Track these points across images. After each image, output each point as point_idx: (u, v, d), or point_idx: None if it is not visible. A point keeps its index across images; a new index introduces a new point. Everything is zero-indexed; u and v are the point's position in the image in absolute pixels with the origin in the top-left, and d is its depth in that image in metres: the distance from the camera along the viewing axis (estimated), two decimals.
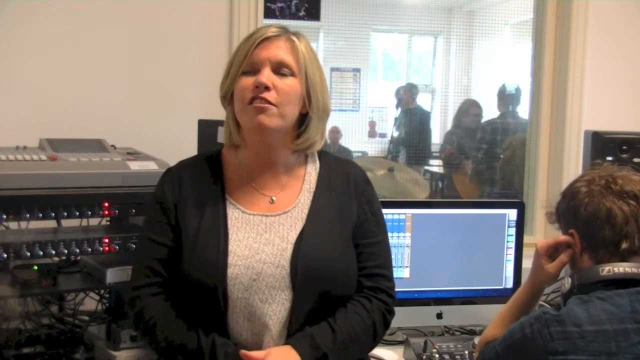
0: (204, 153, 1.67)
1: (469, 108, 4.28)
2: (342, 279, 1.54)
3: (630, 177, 1.52)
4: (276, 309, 1.48)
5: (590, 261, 1.51)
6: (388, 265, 1.64)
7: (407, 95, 4.74)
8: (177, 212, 1.55)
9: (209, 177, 1.59)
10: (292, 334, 1.48)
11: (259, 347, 1.48)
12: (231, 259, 1.47)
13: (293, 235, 1.52)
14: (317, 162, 1.65)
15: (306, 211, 1.56)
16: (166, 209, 1.55)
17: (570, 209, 1.55)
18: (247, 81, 1.50)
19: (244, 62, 1.51)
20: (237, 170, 1.60)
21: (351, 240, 1.58)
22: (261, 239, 1.52)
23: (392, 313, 1.61)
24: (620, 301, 1.40)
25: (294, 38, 1.54)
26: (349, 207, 1.60)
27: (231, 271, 1.47)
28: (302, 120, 1.57)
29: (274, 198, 1.57)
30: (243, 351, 1.44)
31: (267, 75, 1.48)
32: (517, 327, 1.47)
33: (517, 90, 4.17)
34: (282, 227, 1.54)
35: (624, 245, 1.46)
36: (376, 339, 1.59)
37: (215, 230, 1.51)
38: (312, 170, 1.63)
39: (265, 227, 1.53)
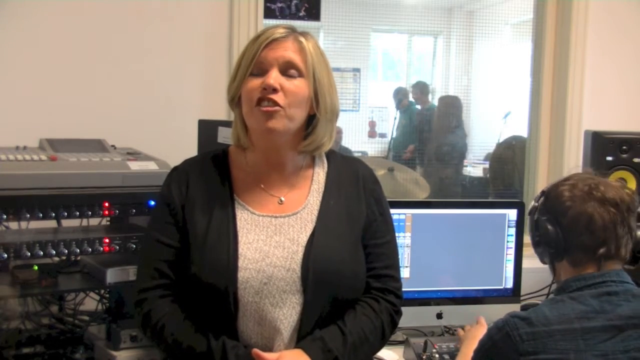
0: (210, 152, 1.65)
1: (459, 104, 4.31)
2: (352, 282, 1.54)
3: (612, 184, 1.55)
4: (287, 312, 1.47)
5: (568, 265, 1.55)
6: (396, 266, 1.64)
7: (419, 94, 4.73)
8: (184, 213, 1.53)
9: (216, 177, 1.57)
10: (302, 337, 1.47)
11: (269, 350, 1.47)
12: (241, 263, 1.46)
13: (303, 238, 1.51)
14: (325, 162, 1.64)
15: (316, 212, 1.55)
16: (173, 209, 1.54)
17: (552, 211, 1.57)
18: (255, 83, 1.48)
19: (252, 63, 1.49)
20: (245, 170, 1.59)
21: (360, 242, 1.58)
22: (271, 241, 1.50)
23: (399, 313, 1.62)
24: (590, 301, 1.45)
25: (302, 39, 1.52)
26: (358, 207, 1.59)
27: (242, 275, 1.45)
28: (310, 121, 1.55)
29: (282, 199, 1.56)
30: (255, 350, 1.43)
31: (274, 77, 1.47)
32: (486, 337, 1.50)
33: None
34: (292, 229, 1.52)
35: (601, 251, 1.50)
36: (384, 340, 1.59)
37: (224, 233, 1.49)
38: (320, 171, 1.62)
39: (275, 229, 1.52)
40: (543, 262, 1.65)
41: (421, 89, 4.79)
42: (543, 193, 1.63)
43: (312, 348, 1.45)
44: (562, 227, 1.53)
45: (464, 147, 4.26)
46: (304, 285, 1.47)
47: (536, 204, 1.63)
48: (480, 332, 1.86)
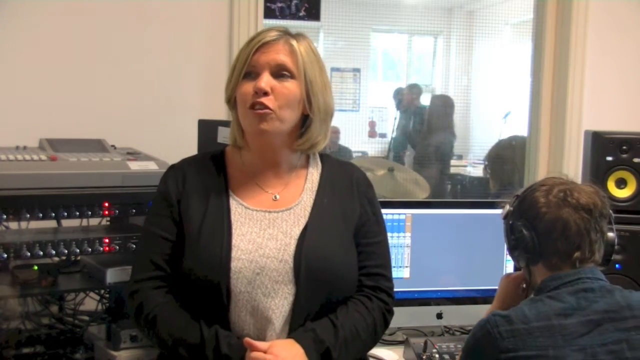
0: (207, 152, 1.69)
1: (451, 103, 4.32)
2: (345, 274, 1.56)
3: (586, 190, 1.57)
4: (279, 303, 1.49)
5: (544, 268, 1.57)
6: (388, 266, 1.66)
7: (409, 95, 4.74)
8: (180, 208, 1.56)
9: (212, 175, 1.61)
10: (294, 329, 1.50)
11: (261, 341, 1.48)
12: (235, 253, 1.49)
13: (296, 231, 1.54)
14: (319, 164, 1.68)
15: (309, 209, 1.59)
16: (170, 204, 1.57)
17: (527, 216, 1.59)
18: (248, 86, 1.53)
19: (244, 67, 1.54)
20: (241, 168, 1.62)
21: (353, 239, 1.60)
22: (264, 234, 1.53)
23: (391, 313, 1.64)
24: (567, 298, 1.48)
25: (293, 41, 1.56)
26: (352, 206, 1.63)
27: (234, 265, 1.48)
28: (305, 120, 1.59)
29: (277, 195, 1.60)
30: (247, 339, 1.44)
31: (265, 81, 1.51)
32: (470, 334, 1.54)
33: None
34: (286, 223, 1.56)
35: (576, 255, 1.53)
36: (376, 338, 1.61)
37: (218, 225, 1.52)
38: (314, 171, 1.66)
39: (268, 222, 1.55)
40: (519, 265, 1.68)
41: (418, 90, 4.80)
42: (517, 197, 1.64)
43: (303, 338, 1.47)
44: (538, 232, 1.56)
45: (452, 146, 4.27)
46: (296, 276, 1.49)
47: (511, 209, 1.65)
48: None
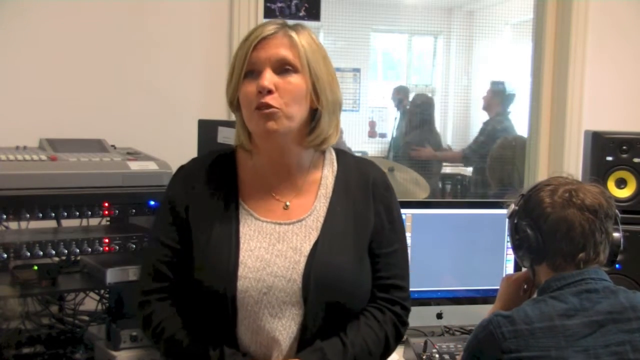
0: (217, 151, 1.61)
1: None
2: (356, 294, 1.50)
3: (591, 190, 1.57)
4: (286, 323, 1.44)
5: (548, 268, 1.57)
6: (404, 275, 1.58)
7: (400, 96, 4.77)
8: (188, 214, 1.50)
9: (223, 179, 1.54)
10: (302, 347, 1.44)
11: (268, 359, 1.45)
12: (241, 271, 1.43)
13: (307, 247, 1.47)
14: (335, 164, 1.59)
15: (321, 220, 1.50)
16: (177, 210, 1.51)
17: (532, 215, 1.58)
18: (251, 86, 1.45)
19: (244, 65, 1.46)
20: (252, 172, 1.55)
21: (367, 250, 1.53)
22: (273, 249, 1.46)
23: (405, 325, 1.57)
24: (570, 299, 1.48)
25: (292, 33, 1.47)
26: (366, 214, 1.54)
27: (241, 284, 1.42)
28: (314, 115, 1.50)
29: (288, 204, 1.52)
30: None
31: (268, 78, 1.43)
32: (472, 335, 1.53)
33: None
34: (296, 238, 1.48)
35: (580, 256, 1.53)
36: (388, 352, 1.56)
37: (226, 239, 1.46)
38: (329, 174, 1.57)
39: (278, 236, 1.48)
40: (523, 265, 1.67)
41: (406, 91, 4.82)
42: (522, 196, 1.63)
43: (311, 359, 1.43)
44: (542, 232, 1.55)
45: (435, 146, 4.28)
46: (305, 297, 1.44)
47: (516, 208, 1.64)
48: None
